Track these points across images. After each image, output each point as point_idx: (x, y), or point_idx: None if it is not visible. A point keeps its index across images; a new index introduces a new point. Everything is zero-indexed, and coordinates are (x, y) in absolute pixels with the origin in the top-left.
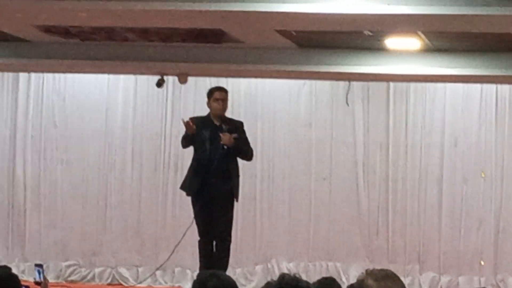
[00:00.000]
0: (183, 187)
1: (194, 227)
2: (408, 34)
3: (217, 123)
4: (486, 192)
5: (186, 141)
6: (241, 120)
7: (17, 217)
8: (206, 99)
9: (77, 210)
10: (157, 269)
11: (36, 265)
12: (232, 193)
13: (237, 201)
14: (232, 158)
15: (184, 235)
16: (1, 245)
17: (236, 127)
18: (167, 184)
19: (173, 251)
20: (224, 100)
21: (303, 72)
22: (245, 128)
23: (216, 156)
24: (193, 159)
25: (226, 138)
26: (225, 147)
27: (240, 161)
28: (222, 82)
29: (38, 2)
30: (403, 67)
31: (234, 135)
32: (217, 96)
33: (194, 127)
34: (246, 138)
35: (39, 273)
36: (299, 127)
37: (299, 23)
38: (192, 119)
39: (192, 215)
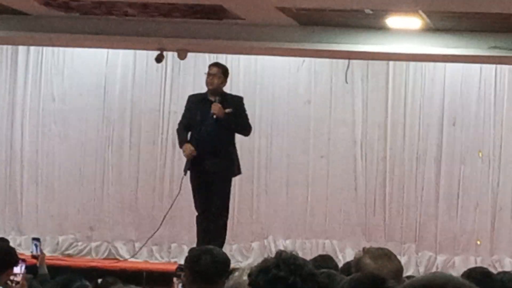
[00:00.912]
0: (184, 170)
1: (191, 202)
2: (409, 13)
3: (213, 99)
4: (484, 172)
5: (180, 144)
6: (241, 95)
7: (14, 190)
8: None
9: (75, 184)
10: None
11: (33, 238)
12: (227, 168)
13: (235, 176)
14: (225, 134)
15: (171, 207)
16: None
17: (234, 102)
18: (165, 159)
19: (161, 223)
20: (214, 75)
21: (303, 50)
22: (245, 104)
23: (208, 132)
24: (189, 139)
25: (216, 107)
26: (214, 116)
27: (239, 138)
28: (221, 58)
29: None
30: (404, 46)
31: (228, 109)
32: (208, 70)
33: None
34: (245, 114)
35: (36, 247)
36: (298, 104)
37: (300, 0)
38: (190, 96)
39: (181, 180)
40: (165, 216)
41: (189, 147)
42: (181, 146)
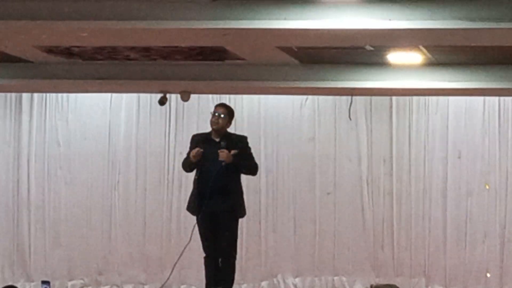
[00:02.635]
0: (188, 208)
1: (200, 244)
2: (410, 48)
3: (217, 139)
4: (491, 204)
5: (189, 167)
6: (245, 135)
7: (22, 237)
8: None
9: (82, 228)
10: (162, 286)
11: (43, 282)
12: (235, 209)
13: (241, 217)
14: (232, 174)
15: (182, 252)
16: (6, 265)
17: (239, 142)
18: (171, 201)
19: (173, 269)
20: (219, 116)
21: (305, 88)
22: (250, 143)
23: (214, 173)
24: (194, 178)
25: (223, 154)
26: (224, 163)
27: (244, 177)
28: (224, 99)
29: (40, 23)
30: (406, 82)
31: (234, 151)
32: (214, 110)
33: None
34: (250, 153)
35: None
36: (302, 142)
37: (300, 39)
38: (194, 136)
39: (192, 229)
40: (174, 264)
41: (194, 150)
42: (187, 158)
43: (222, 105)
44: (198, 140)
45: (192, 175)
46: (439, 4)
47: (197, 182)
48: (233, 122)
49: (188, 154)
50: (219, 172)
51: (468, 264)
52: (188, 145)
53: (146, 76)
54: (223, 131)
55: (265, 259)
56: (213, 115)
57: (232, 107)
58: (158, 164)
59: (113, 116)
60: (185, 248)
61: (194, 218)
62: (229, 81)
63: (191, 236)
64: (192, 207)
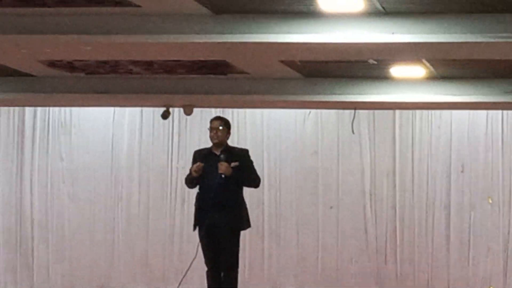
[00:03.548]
0: (194, 226)
1: (202, 257)
2: (413, 62)
3: (217, 153)
4: (494, 218)
5: (192, 182)
6: (247, 148)
7: (25, 251)
8: None
9: (85, 243)
10: None
11: None
12: (236, 222)
13: (244, 229)
14: (233, 187)
15: (189, 266)
16: (9, 279)
17: (240, 155)
18: (174, 215)
19: (179, 284)
20: (217, 129)
21: (308, 101)
22: (251, 156)
23: (214, 186)
24: (197, 194)
25: (223, 167)
26: (223, 176)
27: (247, 190)
28: (227, 112)
29: (42, 37)
30: (409, 95)
31: (234, 163)
32: (211, 125)
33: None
34: (251, 166)
35: None
36: (305, 156)
37: (303, 53)
38: (195, 152)
39: (197, 245)
40: (181, 280)
41: (194, 165)
42: (189, 174)
43: (217, 118)
44: (199, 155)
45: (195, 190)
46: (442, 18)
47: (198, 196)
48: (235, 136)
49: (191, 170)
50: (219, 185)
51: (472, 278)
52: (191, 160)
53: (149, 90)
54: (224, 143)
55: (268, 273)
56: (211, 130)
57: (235, 120)
58: (161, 178)
59: (116, 130)
60: (191, 263)
61: (196, 232)
62: (232, 95)
63: (196, 252)
64: (194, 221)
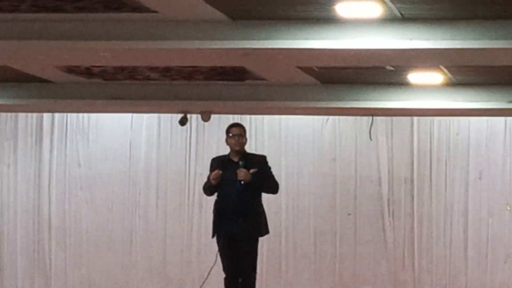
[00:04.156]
0: (213, 234)
1: (220, 264)
2: (431, 68)
3: (235, 160)
4: None
5: (210, 190)
6: (265, 154)
7: (42, 257)
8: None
9: (103, 248)
10: None
11: None
12: (254, 229)
13: (262, 236)
14: (252, 194)
15: (208, 274)
16: (27, 285)
17: (258, 161)
18: (192, 222)
19: None
20: (240, 136)
21: (326, 108)
22: (269, 162)
23: (233, 193)
24: (215, 201)
25: (242, 173)
26: (242, 182)
27: (265, 197)
28: (245, 119)
29: (60, 43)
30: (426, 102)
31: (253, 170)
32: (233, 132)
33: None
34: (269, 172)
35: None
36: (323, 162)
37: (321, 59)
38: (212, 160)
39: (216, 253)
40: (202, 283)
41: (213, 173)
42: (207, 182)
43: (237, 125)
44: (217, 163)
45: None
46: (460, 23)
47: (217, 203)
48: (253, 142)
49: (208, 177)
50: (239, 192)
51: (490, 285)
52: (208, 167)
53: (166, 96)
54: (243, 150)
55: (285, 279)
56: (233, 137)
57: (252, 127)
58: (179, 184)
59: (133, 137)
60: (210, 270)
61: (215, 239)
62: (249, 101)
63: (216, 259)
64: (213, 229)
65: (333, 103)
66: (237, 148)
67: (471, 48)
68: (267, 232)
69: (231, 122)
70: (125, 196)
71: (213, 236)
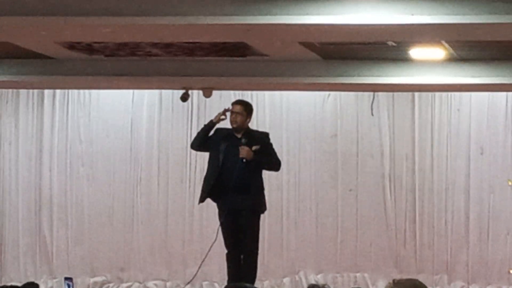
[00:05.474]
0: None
1: (222, 240)
2: (432, 44)
3: (239, 136)
4: None
5: (204, 133)
6: (267, 131)
7: (44, 233)
8: None
9: (104, 225)
10: (186, 284)
11: (66, 278)
12: (256, 205)
13: (262, 213)
14: (253, 171)
15: (209, 250)
16: (29, 262)
17: (260, 138)
18: (194, 198)
19: (200, 266)
20: (238, 113)
21: (327, 84)
22: (271, 139)
23: (235, 170)
24: (207, 170)
25: (244, 151)
26: (244, 160)
27: (266, 173)
28: (246, 95)
29: (62, 18)
30: (428, 77)
31: (255, 147)
32: (232, 109)
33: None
34: (271, 149)
35: (69, 287)
36: (324, 138)
37: (322, 35)
38: (217, 129)
39: (217, 229)
40: (201, 263)
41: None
42: (204, 126)
43: (238, 102)
44: (220, 134)
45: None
46: None
47: (207, 173)
48: (255, 118)
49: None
50: (240, 169)
51: (491, 260)
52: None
53: (168, 73)
54: (244, 127)
55: (287, 256)
56: (231, 113)
57: (254, 103)
58: (180, 161)
59: (135, 113)
60: (211, 247)
61: (216, 214)
62: (251, 77)
63: (216, 235)
64: (201, 195)
65: (334, 78)
66: (234, 125)
67: (472, 23)
68: (265, 209)
69: (232, 98)
70: (126, 173)
71: (199, 202)
